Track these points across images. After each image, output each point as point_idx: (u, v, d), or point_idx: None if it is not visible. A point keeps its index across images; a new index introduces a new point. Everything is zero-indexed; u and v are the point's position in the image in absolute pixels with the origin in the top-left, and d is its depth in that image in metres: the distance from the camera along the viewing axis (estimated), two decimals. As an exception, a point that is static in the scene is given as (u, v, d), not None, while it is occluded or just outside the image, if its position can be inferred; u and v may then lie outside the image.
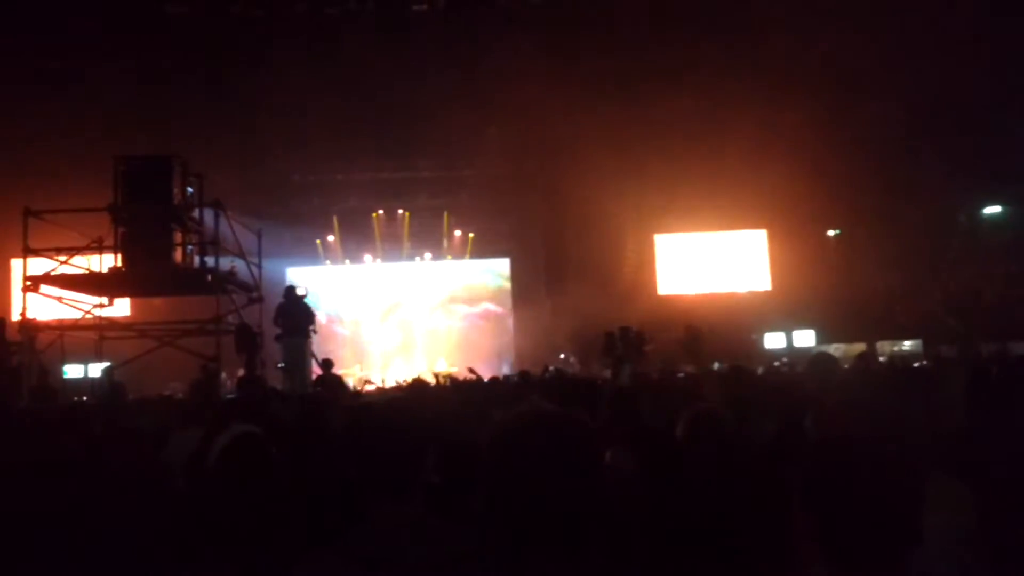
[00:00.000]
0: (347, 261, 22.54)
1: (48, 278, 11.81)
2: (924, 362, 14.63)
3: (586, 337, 18.20)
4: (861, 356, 11.15)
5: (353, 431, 2.50)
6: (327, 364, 12.00)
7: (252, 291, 12.80)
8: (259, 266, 13.12)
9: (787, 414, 4.18)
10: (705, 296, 20.93)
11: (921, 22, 15.82)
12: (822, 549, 1.61)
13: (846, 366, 14.87)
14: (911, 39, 16.04)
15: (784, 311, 19.55)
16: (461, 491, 3.41)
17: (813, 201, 17.90)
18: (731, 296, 21.02)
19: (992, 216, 20.33)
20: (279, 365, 12.03)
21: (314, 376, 11.94)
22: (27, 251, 11.66)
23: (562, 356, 18.36)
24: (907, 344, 18.21)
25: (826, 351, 12.79)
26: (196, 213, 11.81)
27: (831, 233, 20.86)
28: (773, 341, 19.67)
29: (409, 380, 12.45)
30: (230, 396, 10.10)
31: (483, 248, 22.49)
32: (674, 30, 17.01)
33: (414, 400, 5.90)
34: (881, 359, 16.37)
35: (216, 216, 11.80)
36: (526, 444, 1.64)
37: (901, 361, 15.95)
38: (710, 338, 14.09)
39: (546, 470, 1.58)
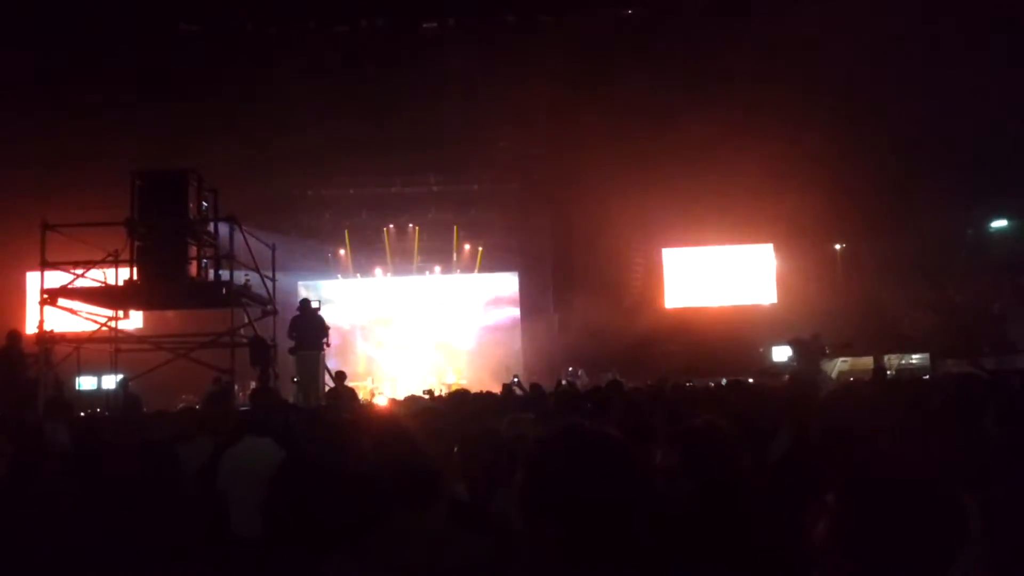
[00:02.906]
0: (358, 275, 22.71)
1: (65, 291, 11.96)
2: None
3: (594, 350, 18.31)
4: (876, 371, 11.20)
5: (377, 442, 2.56)
6: (340, 376, 12.11)
7: (266, 304, 12.93)
8: (273, 279, 13.25)
9: (795, 429, 4.23)
10: (712, 309, 21.06)
11: (928, 37, 15.95)
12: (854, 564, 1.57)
13: (851, 379, 14.95)
14: (918, 54, 16.16)
15: (791, 324, 19.60)
16: (484, 503, 3.49)
17: (819, 214, 17.99)
18: (737, 309, 21.11)
19: (999, 230, 20.39)
20: (294, 379, 12.15)
21: (327, 389, 12.06)
22: (44, 264, 11.82)
23: (571, 369, 18.45)
24: (915, 358, 18.22)
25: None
26: (211, 227, 11.98)
27: (837, 246, 20.95)
28: (780, 354, 19.70)
29: (424, 391, 12.54)
30: (243, 408, 10.21)
31: (492, 262, 22.64)
32: (682, 48, 17.18)
33: (440, 413, 5.95)
34: (889, 373, 16.40)
35: (231, 230, 11.96)
36: (566, 457, 1.73)
37: (909, 374, 15.98)
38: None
39: (586, 481, 1.66)
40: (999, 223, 20.36)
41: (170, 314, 16.03)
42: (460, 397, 7.31)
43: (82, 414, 11.97)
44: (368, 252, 22.56)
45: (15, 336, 11.60)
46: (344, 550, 2.23)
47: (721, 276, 21.61)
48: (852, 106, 17.26)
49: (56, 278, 12.22)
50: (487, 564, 2.22)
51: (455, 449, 3.70)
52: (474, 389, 10.63)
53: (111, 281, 12.08)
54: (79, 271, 11.96)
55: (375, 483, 2.54)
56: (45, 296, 11.87)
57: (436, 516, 2.35)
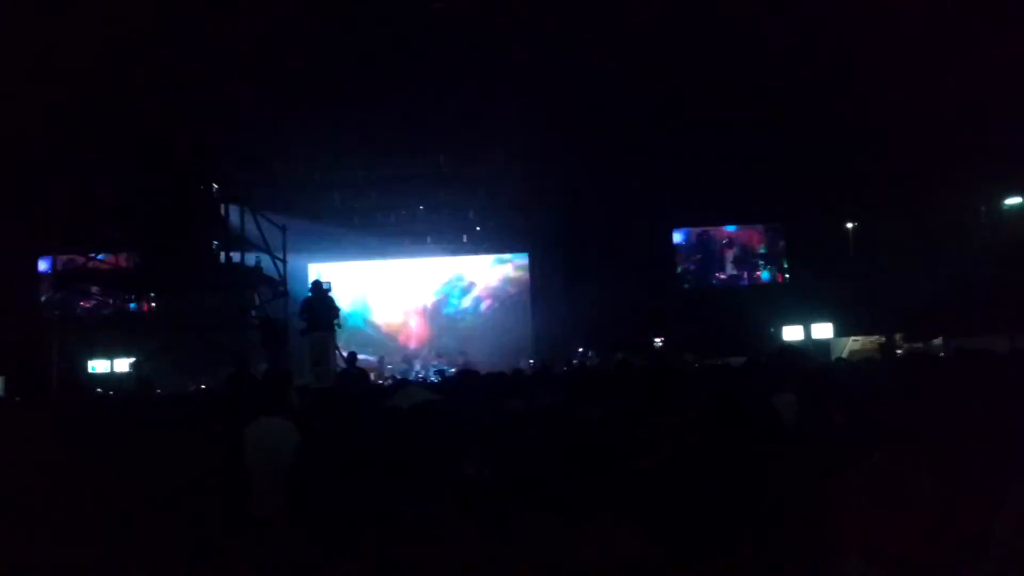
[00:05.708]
0: (368, 256, 22.71)
1: (77, 274, 12.04)
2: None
3: (604, 331, 18.31)
4: (882, 349, 11.18)
5: (388, 433, 2.50)
6: (351, 357, 12.14)
7: (277, 286, 12.96)
8: (284, 261, 13.27)
9: (812, 404, 4.24)
10: (722, 289, 21.05)
11: (938, 14, 15.76)
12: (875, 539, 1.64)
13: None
14: (930, 30, 15.97)
15: (802, 304, 19.57)
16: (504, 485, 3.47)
17: (831, 193, 17.88)
18: (748, 289, 21.09)
19: (1013, 207, 20.21)
20: (305, 360, 12.17)
21: (338, 370, 12.08)
22: (57, 248, 11.90)
23: (580, 350, 18.46)
24: (926, 336, 18.16)
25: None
26: (221, 209, 12.00)
27: (849, 225, 20.83)
28: (791, 334, 19.69)
29: (434, 372, 12.55)
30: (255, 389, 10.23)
31: (502, 242, 22.60)
32: (690, 24, 17.01)
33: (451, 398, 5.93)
34: (899, 352, 16.36)
35: (242, 212, 11.97)
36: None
37: (923, 352, 15.90)
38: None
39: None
40: (1013, 200, 20.19)
41: (182, 296, 16.07)
42: (469, 378, 7.31)
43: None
44: (378, 233, 22.53)
45: (30, 319, 11.70)
46: (345, 546, 2.18)
47: (732, 255, 21.58)
48: (862, 83, 17.09)
49: (69, 261, 12.29)
50: (490, 556, 2.19)
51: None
52: (484, 371, 10.64)
53: (123, 264, 12.13)
54: (91, 254, 12.02)
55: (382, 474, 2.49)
56: (58, 279, 11.95)
57: (440, 506, 2.31)
